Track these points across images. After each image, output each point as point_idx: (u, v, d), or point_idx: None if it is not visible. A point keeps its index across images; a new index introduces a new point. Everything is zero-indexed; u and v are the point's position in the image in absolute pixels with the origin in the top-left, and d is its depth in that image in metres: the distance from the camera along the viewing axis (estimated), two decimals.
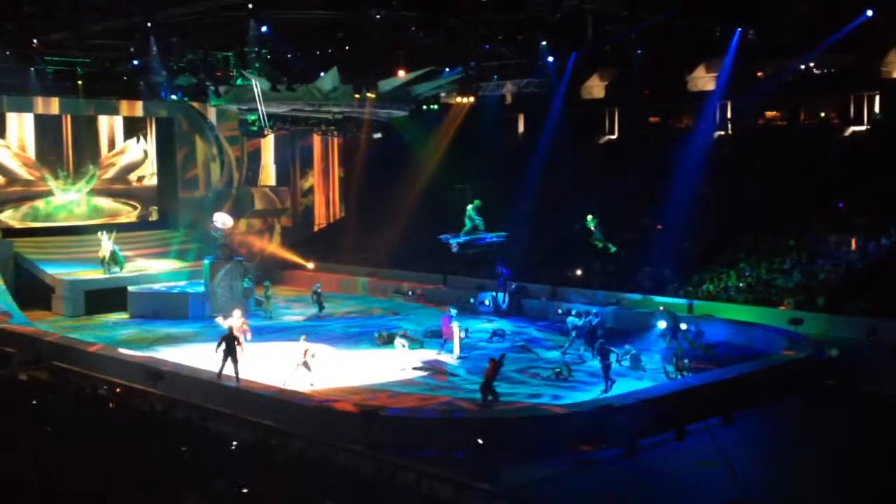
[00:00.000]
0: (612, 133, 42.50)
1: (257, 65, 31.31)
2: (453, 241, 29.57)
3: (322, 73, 31.36)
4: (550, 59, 35.33)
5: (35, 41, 31.82)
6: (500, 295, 31.79)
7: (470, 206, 29.69)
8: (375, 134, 41.50)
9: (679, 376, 22.68)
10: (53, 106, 38.06)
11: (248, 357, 22.42)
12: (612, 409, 18.70)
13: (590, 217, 30.14)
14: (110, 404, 18.84)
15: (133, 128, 42.01)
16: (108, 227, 36.71)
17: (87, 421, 15.92)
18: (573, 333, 25.35)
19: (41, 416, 16.33)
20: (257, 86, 31.18)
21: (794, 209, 32.03)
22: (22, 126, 39.19)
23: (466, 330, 26.91)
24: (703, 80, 39.13)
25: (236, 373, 21.49)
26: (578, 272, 33.43)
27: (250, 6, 28.08)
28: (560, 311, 29.03)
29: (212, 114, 41.48)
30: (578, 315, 26.12)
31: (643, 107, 40.80)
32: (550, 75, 37.31)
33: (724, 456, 16.08)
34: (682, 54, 37.59)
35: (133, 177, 42.43)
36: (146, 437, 14.73)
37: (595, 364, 24.25)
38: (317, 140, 46.16)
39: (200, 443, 14.69)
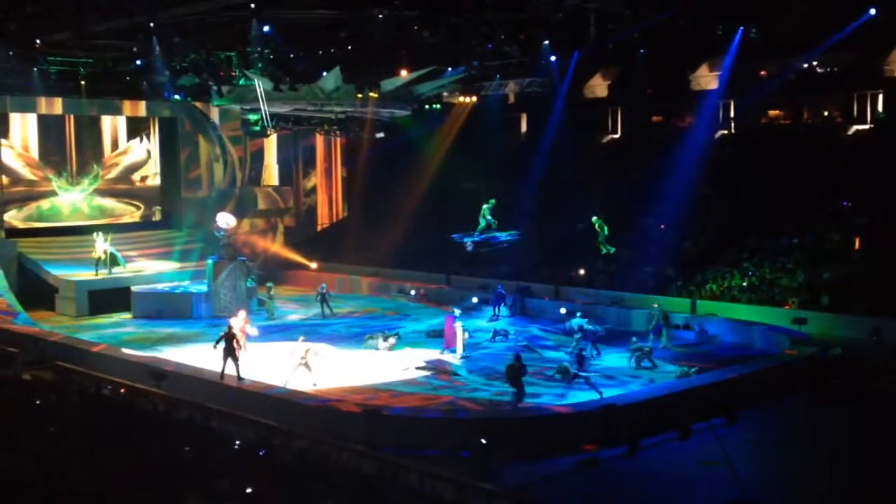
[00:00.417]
0: (615, 132, 42.49)
1: (260, 64, 31.31)
2: (468, 241, 29.54)
3: (325, 73, 31.37)
4: (553, 58, 35.29)
5: (38, 41, 31.83)
6: (503, 308, 31.46)
7: (485, 206, 29.69)
8: (378, 133, 41.48)
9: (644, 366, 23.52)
10: (57, 106, 38.11)
11: (249, 356, 22.44)
12: (616, 409, 18.68)
13: (595, 217, 30.11)
14: (113, 404, 18.86)
15: (136, 128, 42.09)
16: (106, 228, 36.71)
17: (91, 421, 15.94)
18: (577, 335, 25.35)
19: (44, 416, 16.35)
20: (260, 85, 31.23)
21: (797, 208, 32.00)
22: (25, 126, 39.28)
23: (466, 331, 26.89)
24: (706, 79, 39.10)
25: (238, 371, 21.52)
26: (581, 272, 33.43)
27: (253, 6, 28.03)
28: (563, 311, 29.03)
29: (215, 114, 41.50)
30: (584, 315, 26.12)
31: (646, 106, 40.78)
32: (553, 74, 37.26)
33: (727, 455, 16.05)
34: (684, 53, 37.54)
35: (136, 177, 42.51)
36: (149, 437, 14.75)
37: (599, 364, 24.35)
38: (319, 140, 46.15)
39: (203, 442, 14.70)
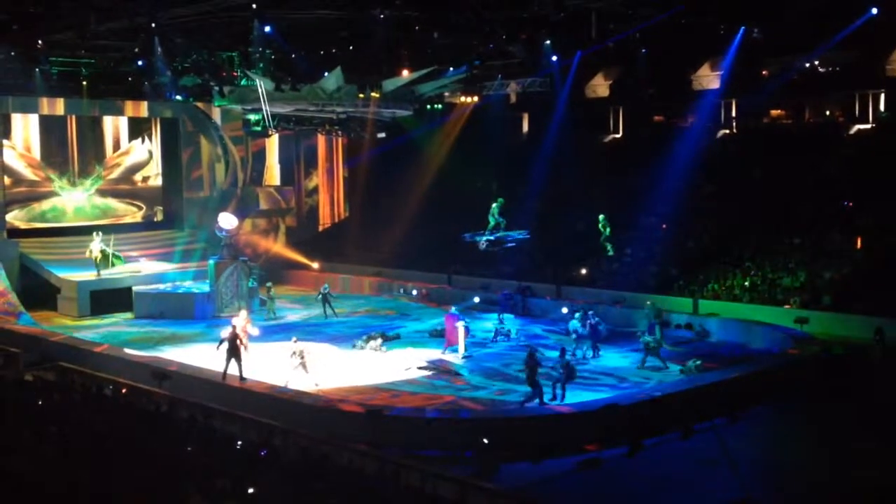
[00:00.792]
0: (617, 132, 42.51)
1: (261, 65, 31.35)
2: (481, 240, 29.51)
3: (326, 73, 31.39)
4: (554, 58, 35.30)
5: (40, 42, 31.88)
6: (507, 317, 31.36)
7: (494, 205, 29.66)
8: (379, 133, 41.48)
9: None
10: (58, 106, 38.13)
11: (250, 356, 22.45)
12: (618, 409, 18.68)
13: (602, 216, 30.09)
14: (115, 404, 18.87)
15: (138, 128, 42.10)
16: (107, 228, 36.68)
17: (93, 421, 15.95)
18: (574, 336, 25.39)
19: (47, 417, 16.36)
20: (261, 86, 31.23)
21: (799, 208, 31.99)
22: (27, 127, 39.30)
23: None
24: (708, 78, 39.10)
25: (240, 371, 21.54)
26: (583, 271, 33.42)
27: (254, 6, 28.07)
28: (565, 311, 29.02)
29: (216, 114, 41.50)
30: (585, 315, 26.09)
31: (647, 105, 40.77)
32: (554, 74, 37.26)
33: (728, 455, 16.04)
34: (686, 53, 37.56)
35: (138, 177, 42.52)
36: (151, 437, 14.76)
37: (601, 363, 24.33)
38: (321, 140, 46.14)
39: (205, 442, 14.71)
